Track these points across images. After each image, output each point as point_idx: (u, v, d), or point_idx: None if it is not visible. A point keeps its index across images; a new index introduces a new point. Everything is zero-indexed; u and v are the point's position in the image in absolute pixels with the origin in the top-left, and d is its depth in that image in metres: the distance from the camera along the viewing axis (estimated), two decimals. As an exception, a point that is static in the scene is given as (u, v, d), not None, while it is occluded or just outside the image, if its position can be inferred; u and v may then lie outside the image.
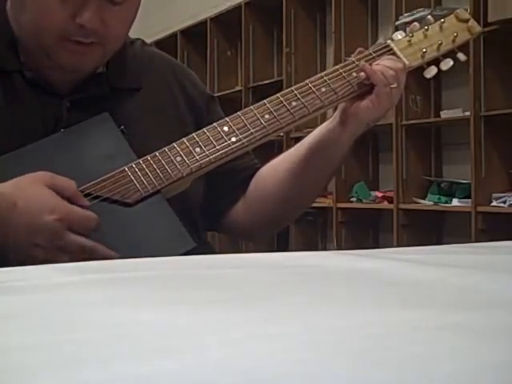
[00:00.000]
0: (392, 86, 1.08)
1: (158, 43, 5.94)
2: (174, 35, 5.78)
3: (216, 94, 4.87)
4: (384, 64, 1.10)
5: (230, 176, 1.18)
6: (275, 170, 1.18)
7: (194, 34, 5.59)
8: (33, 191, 0.91)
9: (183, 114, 1.15)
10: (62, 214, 0.90)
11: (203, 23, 5.32)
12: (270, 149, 4.60)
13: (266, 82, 4.65)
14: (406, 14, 3.57)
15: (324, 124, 1.14)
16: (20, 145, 0.97)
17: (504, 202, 3.26)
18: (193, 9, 5.57)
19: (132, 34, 1.16)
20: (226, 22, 5.18)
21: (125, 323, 0.39)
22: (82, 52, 0.99)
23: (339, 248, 3.98)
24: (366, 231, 4.19)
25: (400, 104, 3.64)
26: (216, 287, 0.52)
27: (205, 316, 0.41)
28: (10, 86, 1.01)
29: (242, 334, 0.36)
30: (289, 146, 4.67)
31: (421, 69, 1.18)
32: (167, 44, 5.82)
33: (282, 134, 4.27)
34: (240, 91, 4.92)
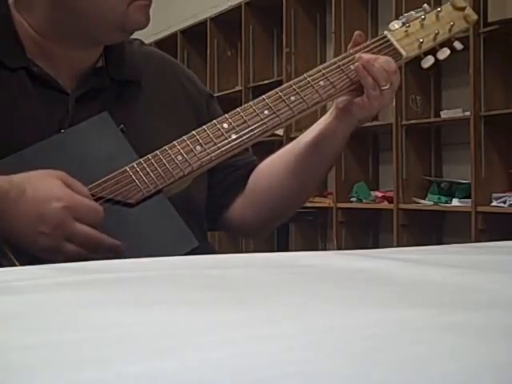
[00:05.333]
0: (383, 87, 1.08)
1: (158, 43, 5.93)
2: (174, 35, 5.78)
3: (216, 94, 4.86)
4: (380, 65, 1.10)
5: (229, 172, 1.19)
6: (273, 165, 1.19)
7: (194, 34, 5.59)
8: (43, 181, 0.91)
9: (183, 112, 1.15)
10: (69, 202, 0.90)
11: (203, 23, 5.32)
12: (269, 148, 4.59)
13: (266, 81, 4.66)
14: (405, 14, 3.57)
15: (321, 119, 1.15)
16: (26, 141, 0.97)
17: (504, 202, 3.26)
18: (193, 9, 5.57)
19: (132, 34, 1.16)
20: (226, 21, 5.18)
21: (125, 323, 0.39)
22: (147, 4, 1.04)
23: (339, 248, 3.98)
24: (366, 231, 4.19)
25: (400, 104, 3.64)
26: (216, 287, 0.52)
27: (205, 316, 0.41)
28: (15, 82, 1.02)
29: (242, 334, 0.36)
30: (289, 146, 4.61)
31: (419, 61, 1.18)
32: (167, 44, 5.81)
33: (281, 134, 4.27)
34: (240, 91, 4.92)
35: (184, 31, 5.68)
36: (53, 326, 0.38)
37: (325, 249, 4.46)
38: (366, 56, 1.10)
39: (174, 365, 0.30)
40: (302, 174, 1.16)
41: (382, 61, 1.10)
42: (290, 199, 1.20)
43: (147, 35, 5.56)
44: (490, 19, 3.21)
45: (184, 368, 0.30)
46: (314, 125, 1.16)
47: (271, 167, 1.19)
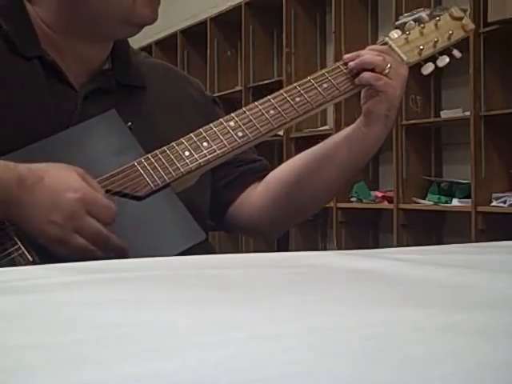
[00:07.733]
0: (386, 70, 1.11)
1: (158, 43, 5.94)
2: (174, 35, 5.78)
3: (216, 94, 4.87)
4: (368, 51, 1.13)
5: (233, 168, 1.21)
6: (301, 159, 1.20)
7: (194, 34, 5.59)
8: (61, 172, 0.92)
9: (189, 115, 1.17)
10: (84, 195, 0.90)
11: (203, 23, 5.32)
12: (270, 149, 4.59)
13: (266, 81, 4.65)
14: (405, 14, 3.57)
15: (351, 125, 1.17)
16: (35, 129, 0.98)
17: (504, 202, 3.26)
18: (193, 9, 5.57)
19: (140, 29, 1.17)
20: (226, 21, 5.18)
21: (125, 323, 0.39)
22: (155, 1, 1.07)
23: (339, 248, 3.98)
24: (366, 231, 4.19)
25: (400, 104, 3.64)
26: (216, 287, 0.52)
27: (205, 316, 0.41)
28: (29, 71, 1.03)
29: (242, 333, 0.36)
30: (289, 147, 4.64)
31: (418, 66, 1.20)
32: (167, 44, 5.81)
33: (282, 134, 4.27)
34: (240, 91, 4.92)
35: (184, 31, 5.68)
36: (53, 326, 0.38)
37: (325, 249, 4.46)
38: (350, 54, 1.14)
39: (173, 365, 0.30)
40: (329, 174, 1.17)
41: (367, 48, 1.15)
42: (317, 193, 1.20)
43: (147, 35, 5.56)
44: (489, 19, 3.21)
45: (184, 368, 0.30)
46: (343, 130, 1.18)
47: (299, 162, 1.20)
